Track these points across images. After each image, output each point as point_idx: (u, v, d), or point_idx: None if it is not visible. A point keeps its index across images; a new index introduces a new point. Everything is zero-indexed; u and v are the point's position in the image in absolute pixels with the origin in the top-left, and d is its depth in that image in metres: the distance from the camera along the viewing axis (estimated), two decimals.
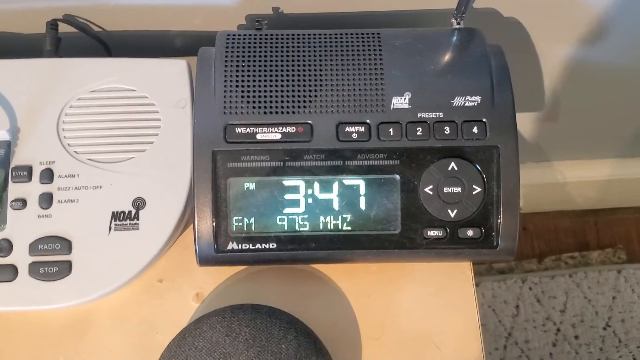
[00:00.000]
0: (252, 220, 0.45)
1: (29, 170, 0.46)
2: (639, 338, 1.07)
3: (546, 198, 1.08)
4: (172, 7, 0.53)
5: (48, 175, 0.46)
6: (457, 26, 0.49)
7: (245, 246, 0.45)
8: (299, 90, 0.46)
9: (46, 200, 0.46)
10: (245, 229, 0.45)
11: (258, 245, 0.45)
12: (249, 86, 0.46)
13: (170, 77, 0.49)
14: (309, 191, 0.45)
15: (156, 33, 0.57)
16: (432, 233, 0.45)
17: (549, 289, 1.09)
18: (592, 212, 1.16)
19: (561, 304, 1.09)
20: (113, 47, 0.57)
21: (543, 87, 0.69)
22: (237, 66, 0.46)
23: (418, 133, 0.45)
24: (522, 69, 0.65)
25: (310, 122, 0.45)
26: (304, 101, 0.46)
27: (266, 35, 0.48)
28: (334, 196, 0.45)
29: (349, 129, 0.45)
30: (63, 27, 0.53)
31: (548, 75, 0.66)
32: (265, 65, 0.46)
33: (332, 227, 0.45)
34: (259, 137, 0.45)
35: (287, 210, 0.45)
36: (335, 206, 0.45)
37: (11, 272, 0.45)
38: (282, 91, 0.46)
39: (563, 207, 1.13)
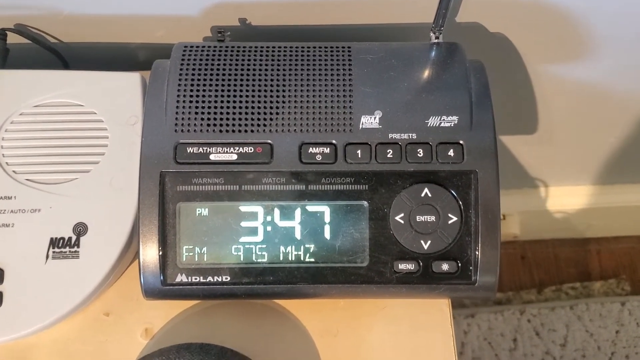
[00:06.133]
0: (204, 249, 0.41)
1: None
2: None
3: (545, 225, 1.03)
4: (133, 17, 0.50)
5: None
6: (436, 40, 0.45)
7: (196, 279, 0.41)
8: (258, 107, 0.42)
9: None
10: (196, 259, 0.41)
11: (210, 278, 0.41)
12: (203, 102, 0.42)
13: (121, 91, 0.45)
14: (268, 218, 0.41)
15: (117, 45, 0.53)
16: (403, 266, 0.41)
17: (548, 321, 1.05)
18: (594, 241, 1.12)
19: (561, 337, 1.04)
20: (70, 60, 0.53)
21: (535, 108, 0.65)
22: (193, 80, 0.43)
23: (389, 155, 0.41)
24: (511, 89, 0.61)
25: (270, 141, 0.41)
26: (264, 119, 0.42)
27: (227, 47, 0.44)
28: (295, 224, 0.41)
29: (312, 149, 0.41)
30: (15, 38, 0.50)
31: (539, 95, 0.62)
32: (223, 80, 0.43)
33: (293, 259, 0.41)
34: (212, 157, 0.41)
35: (243, 239, 0.41)
36: (297, 235, 0.41)
37: None
38: (240, 107, 0.42)
39: (564, 234, 1.09)
